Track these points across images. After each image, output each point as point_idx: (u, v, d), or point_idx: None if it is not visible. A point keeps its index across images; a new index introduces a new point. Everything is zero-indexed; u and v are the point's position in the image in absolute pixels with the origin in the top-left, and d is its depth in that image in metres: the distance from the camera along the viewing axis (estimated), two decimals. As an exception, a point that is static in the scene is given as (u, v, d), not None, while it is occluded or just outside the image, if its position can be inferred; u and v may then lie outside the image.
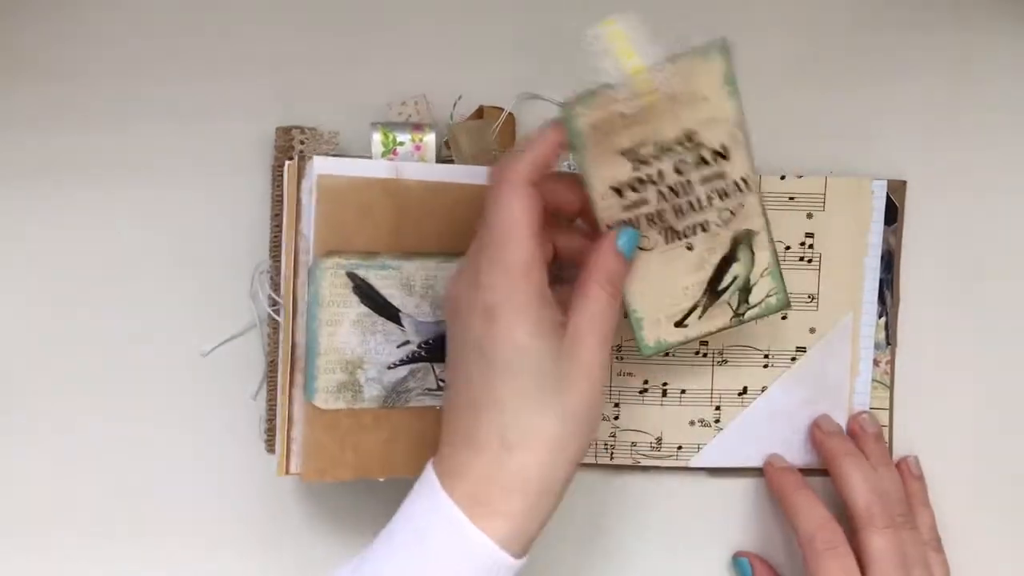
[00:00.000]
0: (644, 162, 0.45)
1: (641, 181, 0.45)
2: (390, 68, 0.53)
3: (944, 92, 0.54)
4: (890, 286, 0.53)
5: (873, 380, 0.53)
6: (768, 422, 0.53)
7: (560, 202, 0.45)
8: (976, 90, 0.54)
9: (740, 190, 0.45)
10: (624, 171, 0.45)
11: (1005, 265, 0.54)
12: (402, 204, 0.49)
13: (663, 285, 0.47)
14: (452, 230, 0.49)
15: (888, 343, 0.53)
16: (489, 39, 0.54)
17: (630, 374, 0.53)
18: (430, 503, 0.41)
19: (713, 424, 0.53)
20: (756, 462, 0.53)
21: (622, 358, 0.53)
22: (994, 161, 0.54)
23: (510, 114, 0.52)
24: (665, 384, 0.53)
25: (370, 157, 0.50)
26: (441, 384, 0.50)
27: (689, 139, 0.44)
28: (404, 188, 0.49)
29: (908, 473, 0.53)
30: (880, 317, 0.53)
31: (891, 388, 0.53)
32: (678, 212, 0.46)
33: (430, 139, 0.50)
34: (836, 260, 0.52)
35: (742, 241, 0.47)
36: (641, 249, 0.46)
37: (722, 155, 0.45)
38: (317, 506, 0.54)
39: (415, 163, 0.49)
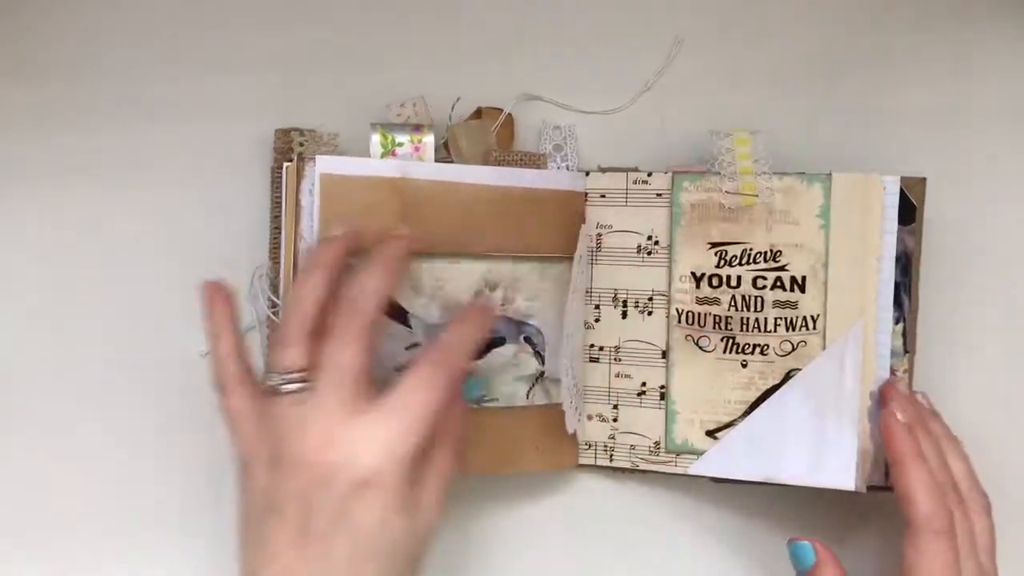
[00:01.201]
0: (728, 262, 0.49)
1: (720, 280, 0.49)
2: (389, 69, 0.53)
3: (951, 89, 0.53)
4: (907, 290, 0.50)
5: (890, 390, 0.50)
6: (770, 432, 0.50)
7: None
8: (988, 88, 0.53)
9: (807, 328, 0.48)
10: (709, 262, 0.49)
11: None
12: (409, 203, 0.48)
13: (709, 390, 0.50)
14: (460, 230, 0.49)
15: (906, 350, 0.50)
16: (488, 40, 0.54)
17: (628, 376, 0.52)
18: None
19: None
20: (756, 476, 0.50)
21: (620, 359, 0.52)
22: (1015, 159, 0.53)
23: (509, 115, 0.52)
24: (663, 387, 0.51)
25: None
26: None
27: (774, 257, 0.48)
28: (412, 187, 0.48)
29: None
30: (897, 323, 0.50)
31: (909, 398, 0.51)
32: (744, 325, 0.48)
33: (429, 140, 0.50)
34: (844, 263, 0.50)
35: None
36: (701, 349, 0.49)
37: (800, 286, 0.48)
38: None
39: (420, 163, 0.49)
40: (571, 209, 0.51)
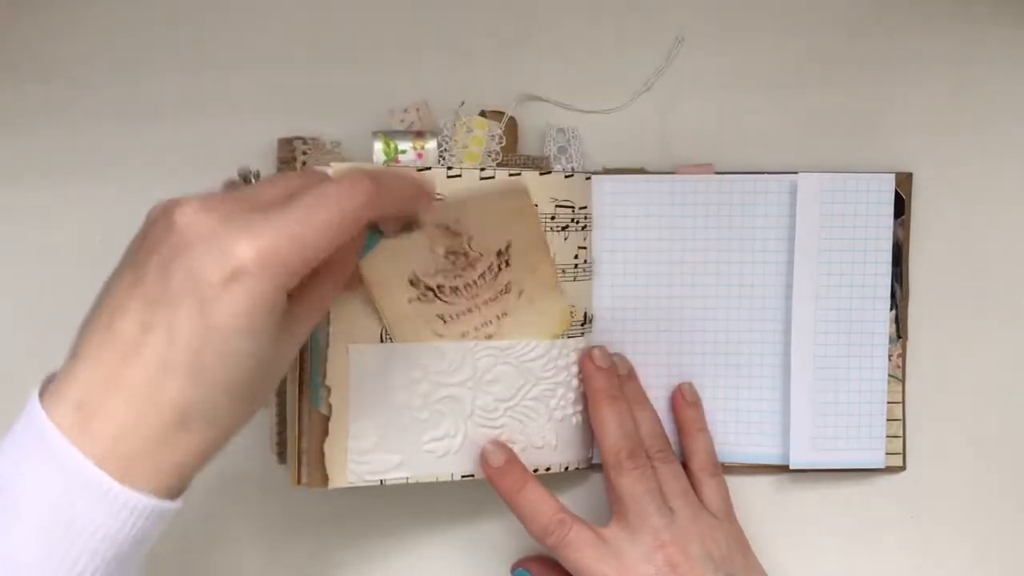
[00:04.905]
0: None
1: None
2: (391, 75, 0.53)
3: (951, 89, 0.54)
4: (899, 279, 0.53)
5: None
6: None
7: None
8: (981, 81, 0.54)
9: None
10: None
11: (1015, 255, 0.54)
12: None
13: None
14: None
15: (899, 336, 0.53)
16: (489, 41, 0.54)
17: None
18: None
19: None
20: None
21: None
22: (999, 153, 0.54)
23: (512, 118, 0.52)
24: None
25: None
26: None
27: None
28: None
29: (682, 401, 0.52)
30: (890, 310, 0.53)
31: (903, 381, 0.53)
32: None
33: (431, 146, 0.50)
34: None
35: None
36: None
37: None
38: (327, 512, 0.54)
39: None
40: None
